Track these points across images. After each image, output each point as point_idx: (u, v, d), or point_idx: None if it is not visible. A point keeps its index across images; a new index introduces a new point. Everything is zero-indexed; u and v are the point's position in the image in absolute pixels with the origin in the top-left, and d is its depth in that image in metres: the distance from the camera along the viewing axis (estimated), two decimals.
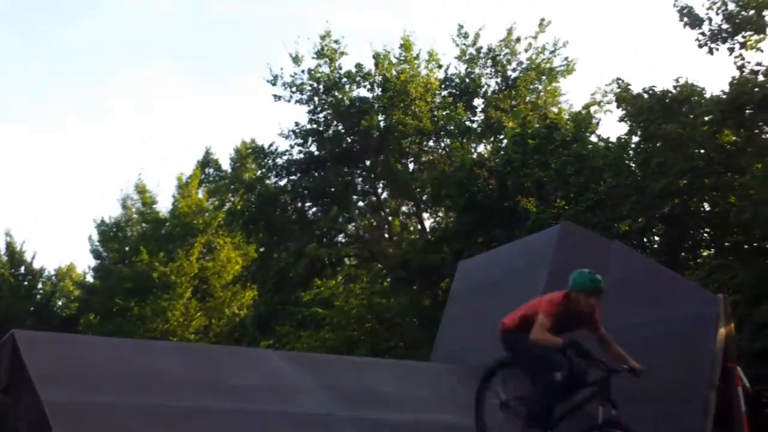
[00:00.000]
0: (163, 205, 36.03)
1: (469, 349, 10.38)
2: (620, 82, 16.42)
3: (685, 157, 13.79)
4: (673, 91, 14.91)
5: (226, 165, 38.08)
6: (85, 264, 61.42)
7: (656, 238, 15.77)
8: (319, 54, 27.87)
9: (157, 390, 7.08)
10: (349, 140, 28.09)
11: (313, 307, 22.09)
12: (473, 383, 9.08)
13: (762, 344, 11.41)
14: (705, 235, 15.39)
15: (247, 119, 60.06)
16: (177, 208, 34.28)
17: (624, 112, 15.84)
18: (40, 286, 39.52)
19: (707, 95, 14.78)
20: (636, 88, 15.97)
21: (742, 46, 15.35)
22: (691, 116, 14.03)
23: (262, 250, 29.86)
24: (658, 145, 14.56)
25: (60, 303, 40.49)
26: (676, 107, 14.62)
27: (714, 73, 34.50)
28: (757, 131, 13.77)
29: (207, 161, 37.79)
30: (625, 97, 15.81)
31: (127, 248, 34.87)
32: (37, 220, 59.70)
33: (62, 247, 64.93)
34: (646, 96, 15.03)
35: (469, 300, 11.24)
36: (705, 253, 15.32)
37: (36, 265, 39.34)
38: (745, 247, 13.48)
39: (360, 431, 7.14)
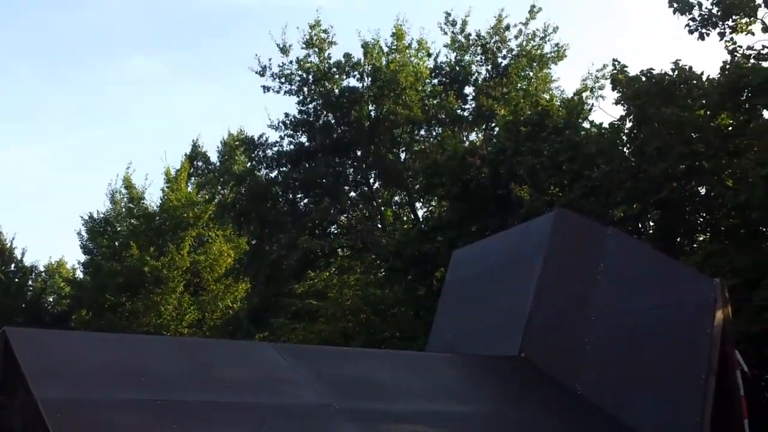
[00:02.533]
0: (153, 200, 35.91)
1: (465, 338, 10.35)
2: (616, 63, 16.33)
3: (684, 141, 13.72)
4: (671, 74, 14.83)
5: (214, 158, 37.99)
6: (74, 259, 61.35)
7: (652, 224, 15.72)
8: (308, 44, 27.75)
9: (151, 384, 6.99)
10: (340, 131, 28.00)
11: (307, 299, 22.00)
12: (469, 372, 9.05)
13: (760, 328, 11.39)
14: (701, 219, 15.34)
15: (235, 112, 60.02)
16: (166, 202, 34.13)
17: (619, 94, 15.75)
18: (30, 283, 39.37)
19: (704, 79, 14.72)
20: (632, 71, 15.90)
21: (733, 30, 15.29)
22: (689, 100, 13.96)
23: (254, 242, 29.78)
24: (654, 129, 14.48)
25: (51, 300, 40.35)
26: (673, 90, 14.54)
27: (705, 59, 34.64)
28: (755, 115, 13.72)
29: (195, 154, 37.66)
30: (621, 80, 15.71)
31: (117, 243, 34.71)
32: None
33: (52, 242, 64.83)
34: (643, 78, 14.94)
35: (463, 289, 11.19)
36: (701, 238, 15.28)
37: (27, 262, 39.22)
38: (742, 231, 13.44)
39: (356, 422, 7.07)
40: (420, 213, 28.15)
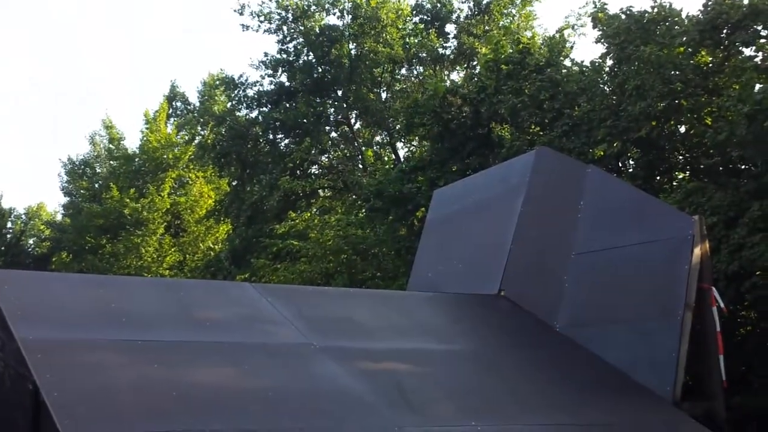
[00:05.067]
0: (132, 143, 35.62)
1: (446, 276, 10.39)
2: (596, 1, 16.18)
3: (663, 79, 13.67)
4: (651, 11, 14.71)
5: (194, 99, 37.60)
6: (55, 203, 60.96)
7: (632, 162, 15.76)
8: None
9: (132, 325, 6.99)
10: (320, 70, 27.71)
11: (288, 240, 22.02)
12: (450, 311, 9.12)
13: (738, 265, 11.51)
14: (681, 157, 15.38)
15: (214, 52, 59.13)
16: (146, 144, 33.82)
17: (600, 33, 15.63)
18: (9, 225, 39.11)
19: (684, 16, 14.61)
20: (612, 9, 15.76)
21: None
22: (669, 38, 13.87)
23: (234, 183, 29.65)
24: (634, 67, 14.41)
25: (31, 242, 40.17)
26: (653, 28, 14.44)
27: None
28: (734, 52, 13.67)
29: (174, 95, 37.20)
30: (601, 18, 15.59)
31: (96, 185, 34.47)
32: None
33: (31, 187, 64.35)
34: (623, 17, 14.82)
35: (444, 228, 11.21)
36: (681, 176, 15.34)
37: (5, 205, 38.90)
38: (721, 168, 13.49)
39: (337, 361, 7.12)
40: (401, 153, 28.10)
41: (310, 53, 27.70)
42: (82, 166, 36.18)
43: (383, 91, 28.80)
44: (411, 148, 27.50)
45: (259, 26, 27.54)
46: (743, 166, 13.34)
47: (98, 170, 36.39)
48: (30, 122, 61.75)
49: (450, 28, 27.72)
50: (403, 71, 28.70)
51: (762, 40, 13.47)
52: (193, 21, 62.92)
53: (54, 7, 62.47)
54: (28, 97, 66.08)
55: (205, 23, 63.48)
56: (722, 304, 8.49)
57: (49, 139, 64.45)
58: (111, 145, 35.37)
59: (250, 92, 28.33)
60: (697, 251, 8.10)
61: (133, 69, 60.54)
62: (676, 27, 14.50)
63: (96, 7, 64.31)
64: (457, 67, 28.05)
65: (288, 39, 27.69)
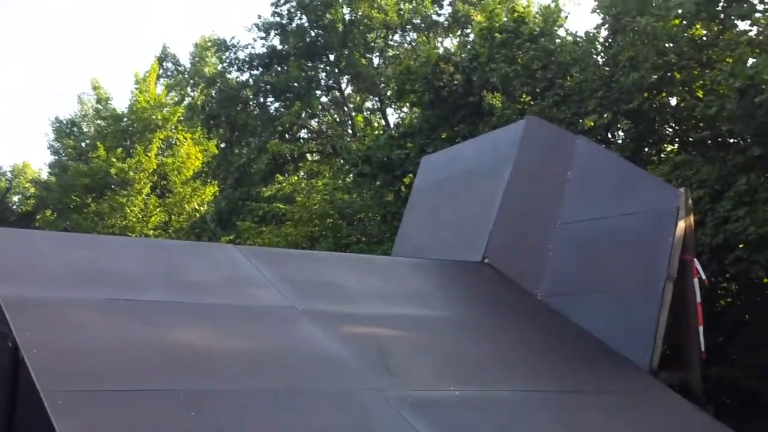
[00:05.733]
0: (122, 104, 35.36)
1: (431, 243, 10.41)
2: None
3: (657, 51, 13.60)
4: None
5: (185, 61, 37.27)
6: (40, 162, 60.64)
7: (621, 134, 15.72)
8: None
9: (116, 284, 6.97)
10: (313, 34, 27.51)
11: (275, 203, 21.94)
12: (434, 277, 9.13)
13: (723, 238, 11.54)
14: (670, 130, 15.34)
15: (207, 15, 58.57)
16: (135, 104, 33.53)
17: (596, 3, 15.51)
18: None
19: None
20: None
21: None
22: (665, 9, 13.76)
23: (223, 145, 29.53)
24: (628, 38, 14.31)
25: (16, 200, 39.97)
26: (649, 0, 14.32)
27: None
28: (729, 25, 13.57)
29: (165, 56, 36.84)
30: None
31: (83, 144, 34.22)
32: None
33: (17, 146, 63.95)
34: None
35: (431, 195, 11.20)
36: (669, 149, 15.32)
37: None
38: (709, 142, 13.47)
39: (319, 324, 7.12)
40: (391, 119, 27.99)
41: (304, 17, 27.47)
42: (70, 126, 35.88)
43: (375, 56, 28.64)
44: (401, 115, 27.39)
45: None
46: (732, 141, 13.30)
47: (85, 130, 36.10)
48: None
49: None
50: (396, 37, 28.53)
51: (757, 14, 13.39)
52: None
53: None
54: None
55: None
56: (704, 276, 8.55)
57: (34, 95, 63.91)
58: (99, 105, 35.08)
59: (242, 55, 28.13)
60: (681, 223, 8.13)
61: (126, 31, 59.98)
62: None
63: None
64: (451, 35, 27.88)
65: (282, 2, 27.45)
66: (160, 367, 5.89)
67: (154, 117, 32.81)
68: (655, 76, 13.67)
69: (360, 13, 26.89)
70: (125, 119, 33.55)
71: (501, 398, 6.67)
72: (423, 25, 27.23)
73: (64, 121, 35.54)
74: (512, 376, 7.14)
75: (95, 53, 63.09)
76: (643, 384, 7.42)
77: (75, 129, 35.38)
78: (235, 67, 28.53)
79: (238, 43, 28.07)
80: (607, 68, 15.48)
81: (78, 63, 63.02)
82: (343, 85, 29.06)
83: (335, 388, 6.25)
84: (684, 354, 8.21)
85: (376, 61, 28.61)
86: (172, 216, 31.73)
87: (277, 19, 27.48)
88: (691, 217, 8.37)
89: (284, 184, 24.12)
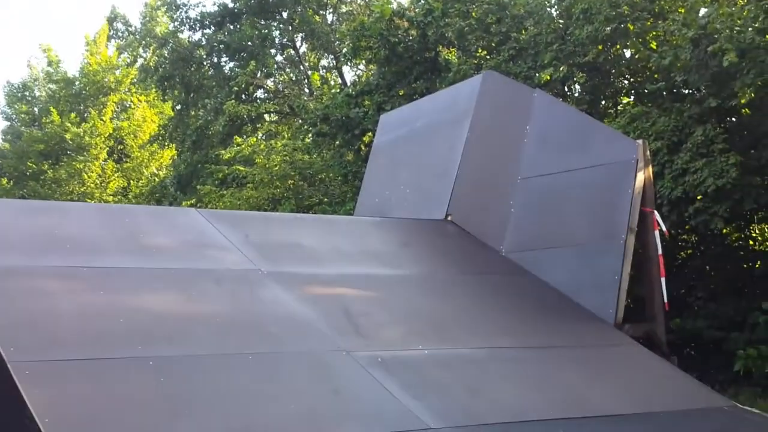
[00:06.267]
0: (73, 67, 34.65)
1: (393, 202, 10.43)
2: None
3: (610, 3, 13.63)
4: None
5: (135, 21, 36.56)
6: None
7: (577, 87, 15.79)
8: None
9: (78, 251, 6.91)
10: None
11: (234, 165, 21.78)
12: (397, 236, 9.17)
13: (682, 191, 11.68)
14: (626, 82, 15.45)
15: None
16: (86, 66, 32.90)
17: None
18: None
19: None
20: None
21: None
22: None
23: (178, 108, 29.10)
24: None
25: None
26: None
27: None
28: None
29: (114, 16, 36.09)
30: None
31: (36, 109, 33.56)
32: None
33: None
34: None
35: (391, 153, 11.20)
36: (626, 101, 15.43)
37: None
38: (665, 93, 13.59)
39: (284, 286, 7.14)
40: (348, 77, 27.77)
41: None
42: (21, 90, 35.12)
43: (329, 13, 28.30)
44: (357, 72, 27.21)
45: None
46: (687, 91, 13.44)
47: (37, 94, 35.38)
48: None
49: None
50: None
51: None
52: None
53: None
54: None
55: None
56: (664, 228, 8.67)
57: None
58: (49, 68, 34.35)
59: (193, 14, 27.60)
60: (640, 176, 8.20)
61: None
62: None
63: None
64: None
65: None
66: (128, 334, 5.87)
67: (106, 80, 32.27)
68: (608, 29, 13.71)
69: None
70: (77, 82, 32.93)
71: (470, 356, 6.74)
72: None
73: (16, 85, 34.76)
74: (480, 334, 7.22)
75: (43, 18, 61.50)
76: (609, 337, 7.52)
77: (27, 93, 34.64)
78: (187, 26, 27.99)
79: (188, 1, 27.52)
80: (561, 21, 15.49)
81: (25, 27, 61.44)
82: (298, 43, 28.73)
83: (305, 350, 6.28)
84: (647, 306, 8.35)
85: (330, 17, 28.29)
86: (131, 181, 31.39)
87: None
88: (650, 169, 8.46)
89: (243, 146, 23.94)
